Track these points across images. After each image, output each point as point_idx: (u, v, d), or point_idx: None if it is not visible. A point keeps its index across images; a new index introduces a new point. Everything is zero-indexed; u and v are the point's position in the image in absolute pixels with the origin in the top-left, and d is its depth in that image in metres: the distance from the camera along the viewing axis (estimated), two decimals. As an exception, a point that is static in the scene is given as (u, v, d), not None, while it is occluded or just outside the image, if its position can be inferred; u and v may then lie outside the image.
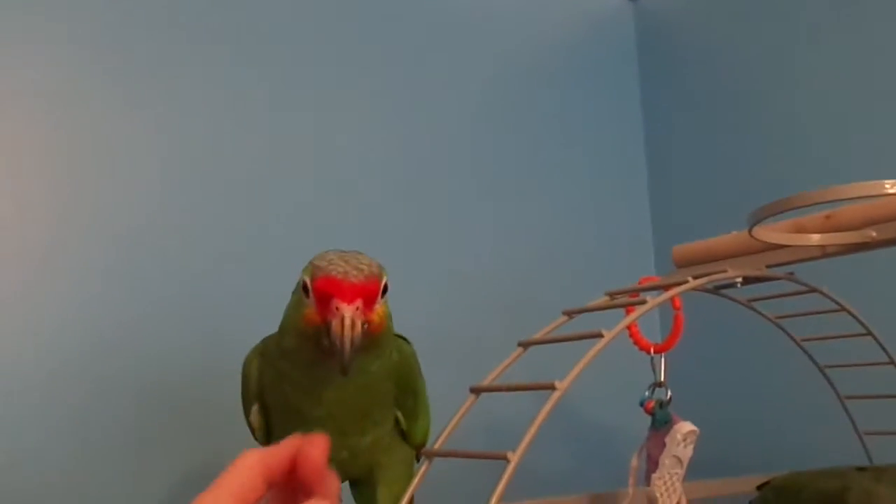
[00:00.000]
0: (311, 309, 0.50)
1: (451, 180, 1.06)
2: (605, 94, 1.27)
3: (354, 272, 0.49)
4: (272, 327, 0.58)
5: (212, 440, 0.79)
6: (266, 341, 0.58)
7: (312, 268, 0.50)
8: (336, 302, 0.48)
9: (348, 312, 0.48)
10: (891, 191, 0.51)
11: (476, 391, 0.55)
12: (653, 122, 1.32)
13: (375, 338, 0.51)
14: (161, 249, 0.82)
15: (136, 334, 0.78)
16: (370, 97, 1.01)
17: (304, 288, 0.50)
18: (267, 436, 0.60)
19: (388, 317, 0.53)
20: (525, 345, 0.59)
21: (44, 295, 0.75)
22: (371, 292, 0.50)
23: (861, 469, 0.49)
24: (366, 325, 0.50)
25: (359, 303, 0.49)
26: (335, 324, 0.48)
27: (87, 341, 0.76)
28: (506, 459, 0.46)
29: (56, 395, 0.73)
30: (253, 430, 0.60)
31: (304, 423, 0.55)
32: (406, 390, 0.58)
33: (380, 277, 0.51)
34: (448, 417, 0.55)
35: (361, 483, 0.61)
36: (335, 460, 0.56)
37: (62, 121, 0.80)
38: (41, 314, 0.75)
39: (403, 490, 0.52)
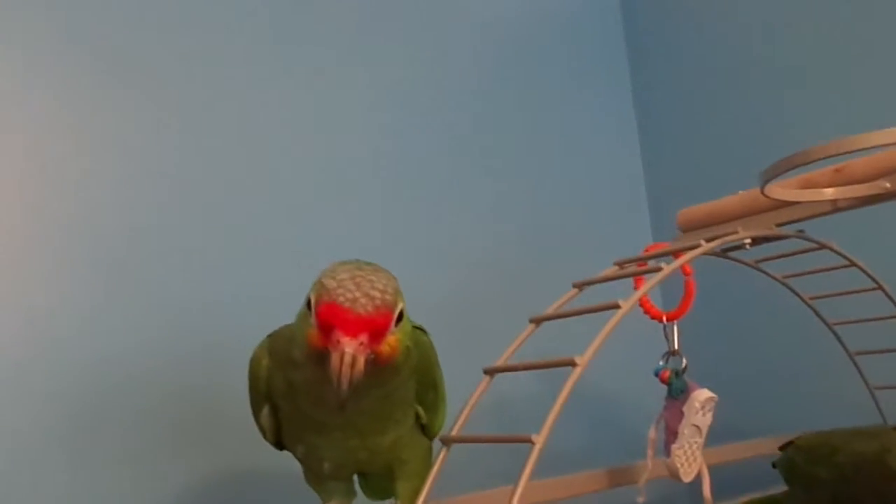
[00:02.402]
0: (314, 331, 0.45)
1: (447, 160, 1.04)
2: (593, 63, 1.26)
3: (363, 300, 0.43)
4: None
5: (220, 448, 0.76)
6: (273, 339, 0.54)
7: (319, 287, 0.45)
8: (338, 335, 0.43)
9: (349, 348, 0.43)
10: (913, 137, 0.49)
11: (490, 372, 0.53)
12: (642, 85, 1.30)
13: (385, 367, 0.46)
14: (161, 254, 0.79)
15: (139, 342, 0.75)
16: (367, 73, 0.99)
17: (309, 305, 0.45)
18: (277, 435, 0.56)
19: (403, 342, 0.48)
20: (537, 321, 0.57)
21: (45, 304, 0.72)
22: (380, 326, 0.44)
23: (897, 428, 0.47)
24: (371, 357, 0.45)
25: (364, 337, 0.43)
26: (334, 358, 0.43)
27: (88, 350, 0.72)
28: (530, 443, 0.44)
29: (57, 404, 0.70)
30: (263, 432, 0.56)
31: (319, 430, 0.52)
32: (426, 385, 0.54)
33: (392, 307, 0.45)
34: (458, 399, 0.53)
35: (375, 474, 0.59)
36: (353, 460, 0.53)
37: (57, 121, 0.76)
38: (43, 323, 0.71)
39: (423, 483, 0.49)
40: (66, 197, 0.75)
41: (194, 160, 0.83)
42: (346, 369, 0.43)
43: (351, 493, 0.58)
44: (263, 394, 0.53)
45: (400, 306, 0.46)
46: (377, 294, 0.44)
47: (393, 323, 0.45)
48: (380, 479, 0.59)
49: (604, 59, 1.27)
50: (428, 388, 0.54)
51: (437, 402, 0.56)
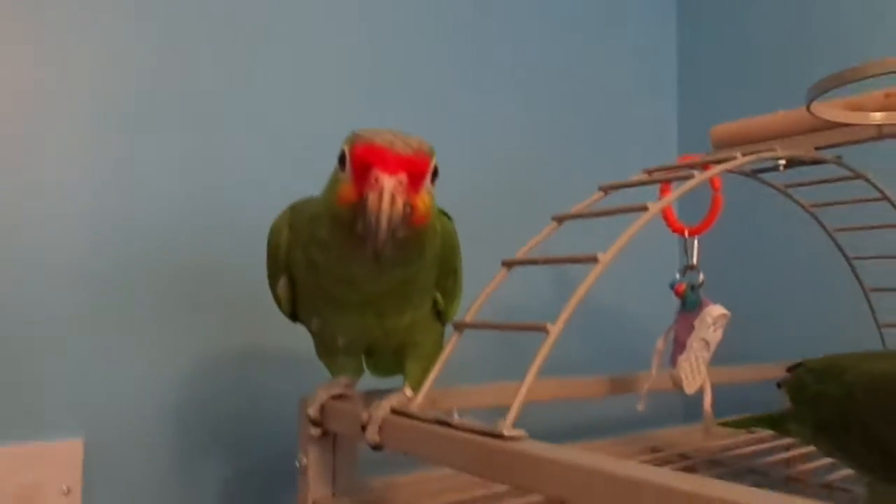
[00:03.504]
0: (347, 184, 0.43)
1: (477, 55, 1.01)
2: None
3: (401, 144, 0.42)
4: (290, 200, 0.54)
5: (233, 322, 0.77)
6: (295, 212, 0.53)
7: (353, 136, 0.43)
8: (376, 172, 0.41)
9: (389, 184, 0.41)
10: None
11: (508, 264, 0.53)
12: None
13: (418, 230, 0.45)
14: (181, 126, 0.77)
15: (155, 214, 0.74)
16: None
17: (342, 159, 0.44)
18: (293, 306, 0.56)
19: (434, 208, 0.47)
20: (560, 219, 0.56)
21: (64, 179, 0.70)
22: (418, 167, 0.43)
23: (913, 352, 0.47)
24: (408, 209, 0.43)
25: (402, 176, 0.42)
26: (372, 197, 0.41)
27: (101, 221, 0.72)
28: (545, 331, 0.44)
29: (70, 276, 0.70)
30: (279, 303, 0.56)
31: (337, 306, 0.51)
32: (447, 271, 0.54)
33: (430, 155, 0.44)
34: (475, 292, 0.53)
35: (385, 353, 0.59)
36: (368, 338, 0.54)
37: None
38: (63, 197, 0.70)
39: (432, 365, 0.50)
40: (76, 68, 0.72)
41: (218, 31, 0.80)
42: (385, 207, 0.41)
43: (360, 370, 0.59)
44: (282, 265, 0.53)
45: (434, 160, 0.45)
46: (414, 141, 0.43)
47: (430, 172, 0.44)
48: (387, 359, 0.59)
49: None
50: (448, 273, 0.54)
51: (455, 290, 0.56)
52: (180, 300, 0.75)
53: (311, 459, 0.56)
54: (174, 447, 0.73)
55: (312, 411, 0.54)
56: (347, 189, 0.43)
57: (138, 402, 0.72)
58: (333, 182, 0.45)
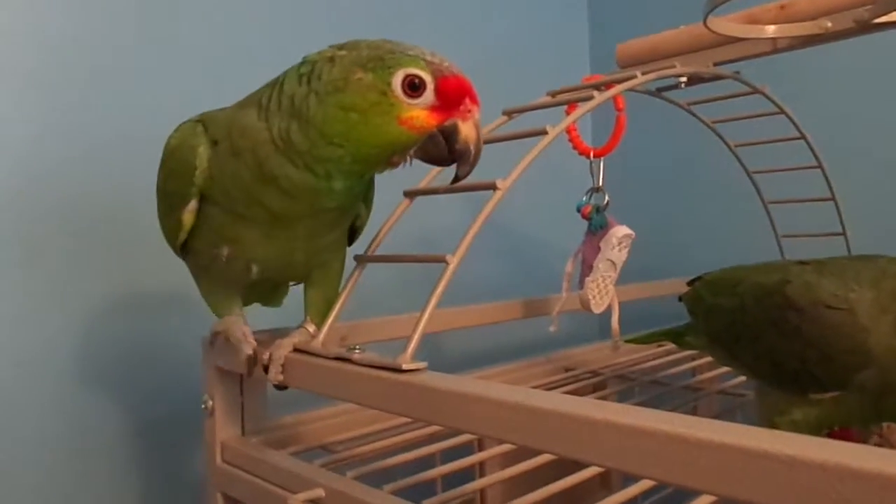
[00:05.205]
0: (420, 112, 0.43)
1: None
2: None
3: (463, 72, 0.45)
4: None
5: (122, 259, 0.73)
6: (215, 125, 0.47)
7: (425, 63, 0.43)
8: (469, 104, 0.44)
9: (478, 114, 0.45)
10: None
11: (410, 195, 0.52)
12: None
13: None
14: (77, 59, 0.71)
15: (34, 157, 0.69)
16: None
17: (415, 85, 0.43)
18: (188, 237, 0.50)
19: None
20: (462, 145, 0.55)
21: None
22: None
23: (802, 262, 0.48)
24: None
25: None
26: (467, 126, 0.44)
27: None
28: (444, 262, 0.44)
29: None
30: (175, 231, 0.50)
31: (267, 226, 0.47)
32: (369, 183, 0.52)
33: None
34: (382, 224, 0.52)
35: (275, 284, 0.57)
36: (286, 262, 0.50)
37: None
38: None
39: (335, 294, 0.49)
40: None
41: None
42: (481, 134, 0.45)
43: (245, 303, 0.55)
44: (197, 186, 0.47)
45: None
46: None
47: None
48: (271, 290, 0.58)
49: None
50: (370, 186, 0.53)
51: (371, 201, 0.54)
52: (66, 245, 0.70)
53: (218, 400, 0.55)
54: (70, 401, 0.70)
55: (272, 375, 0.48)
56: (424, 116, 0.44)
57: (27, 355, 0.68)
58: (382, 106, 0.43)
